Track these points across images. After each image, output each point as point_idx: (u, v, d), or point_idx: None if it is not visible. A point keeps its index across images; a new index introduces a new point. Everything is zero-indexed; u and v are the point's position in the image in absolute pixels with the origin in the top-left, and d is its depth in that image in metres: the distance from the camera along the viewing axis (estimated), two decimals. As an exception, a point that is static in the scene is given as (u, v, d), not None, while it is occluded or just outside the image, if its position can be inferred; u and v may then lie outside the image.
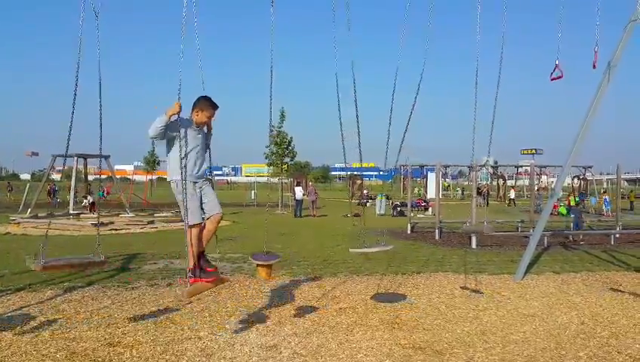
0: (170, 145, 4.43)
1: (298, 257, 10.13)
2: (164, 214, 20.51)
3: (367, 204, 26.53)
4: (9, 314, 5.72)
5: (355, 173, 41.40)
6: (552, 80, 7.82)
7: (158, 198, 33.12)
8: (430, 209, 25.42)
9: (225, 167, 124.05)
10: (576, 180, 31.06)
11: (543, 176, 37.26)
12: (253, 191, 35.64)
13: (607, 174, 45.22)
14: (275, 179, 33.13)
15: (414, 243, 13.14)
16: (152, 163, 46.53)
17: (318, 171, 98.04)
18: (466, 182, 54.62)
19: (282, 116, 27.71)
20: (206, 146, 4.65)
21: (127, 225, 16.60)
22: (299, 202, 23.68)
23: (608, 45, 8.16)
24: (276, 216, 23.31)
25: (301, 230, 16.64)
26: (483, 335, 5.22)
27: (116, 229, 15.70)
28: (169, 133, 4.32)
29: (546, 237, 12.33)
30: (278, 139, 27.55)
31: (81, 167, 22.09)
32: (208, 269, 4.53)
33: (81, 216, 18.61)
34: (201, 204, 4.47)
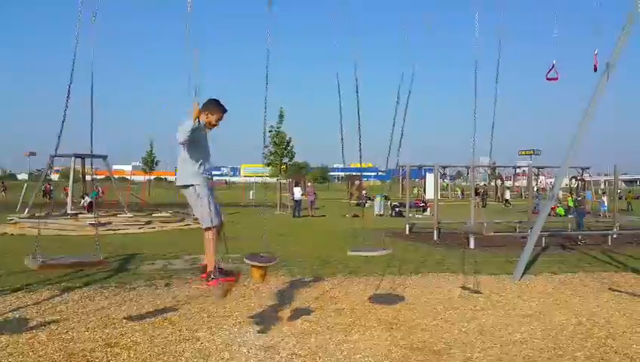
0: (186, 149, 4.41)
1: (296, 257, 10.12)
2: (162, 214, 20.49)
3: (366, 205, 26.57)
4: (6, 315, 5.70)
5: (354, 173, 41.44)
6: (547, 79, 7.84)
7: (156, 198, 33.07)
8: (428, 209, 25.45)
9: (224, 167, 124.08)
10: (574, 181, 31.11)
11: (541, 177, 37.34)
12: (251, 192, 35.70)
13: (605, 175, 45.25)
14: (273, 179, 33.16)
15: (413, 243, 13.14)
16: (150, 163, 46.47)
17: (316, 171, 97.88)
18: (464, 183, 54.66)
19: (281, 116, 27.73)
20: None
21: (126, 225, 16.58)
22: (297, 202, 23.71)
23: (608, 45, 8.17)
24: (275, 217, 23.31)
25: (300, 230, 16.63)
26: (481, 336, 5.22)
27: (114, 229, 15.68)
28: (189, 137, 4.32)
29: (544, 238, 12.34)
30: (277, 140, 27.56)
31: (79, 166, 22.07)
32: (223, 268, 4.61)
33: (79, 216, 18.58)
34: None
